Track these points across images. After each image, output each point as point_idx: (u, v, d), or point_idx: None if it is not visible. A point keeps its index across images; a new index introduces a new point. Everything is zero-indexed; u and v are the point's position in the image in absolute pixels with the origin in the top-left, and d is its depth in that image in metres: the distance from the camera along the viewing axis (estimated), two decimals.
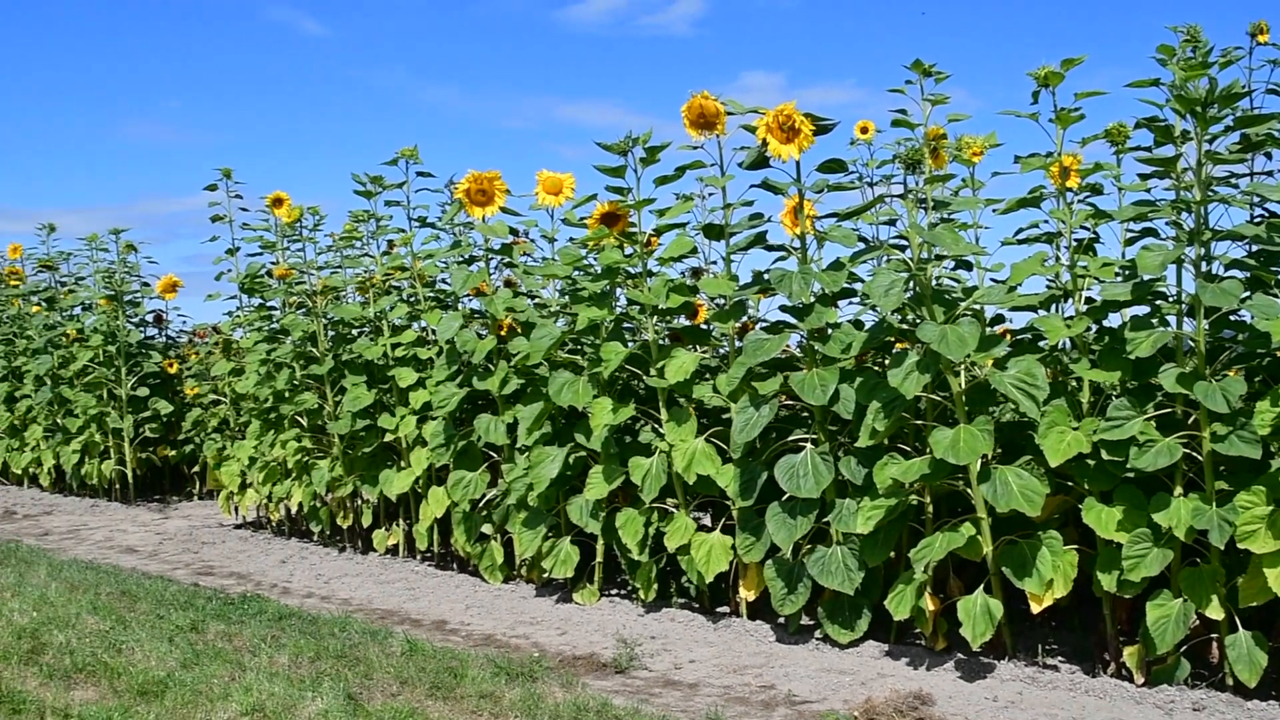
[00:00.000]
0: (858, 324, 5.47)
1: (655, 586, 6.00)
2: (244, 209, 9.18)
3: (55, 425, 11.02)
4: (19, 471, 11.61)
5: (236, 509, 9.22)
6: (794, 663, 5.08)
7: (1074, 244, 5.12)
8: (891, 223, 5.70)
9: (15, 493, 11.55)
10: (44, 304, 11.51)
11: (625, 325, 6.29)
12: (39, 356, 10.94)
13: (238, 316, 9.19)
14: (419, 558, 7.61)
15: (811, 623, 5.54)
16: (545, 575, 6.46)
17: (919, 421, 5.17)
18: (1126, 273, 4.93)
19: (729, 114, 5.43)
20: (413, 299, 7.49)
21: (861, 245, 5.40)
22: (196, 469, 11.02)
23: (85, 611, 5.80)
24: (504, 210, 6.39)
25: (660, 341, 6.00)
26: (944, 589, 5.12)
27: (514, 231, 6.73)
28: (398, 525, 7.66)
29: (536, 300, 6.92)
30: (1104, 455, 4.61)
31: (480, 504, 6.76)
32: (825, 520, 5.22)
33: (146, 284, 11.03)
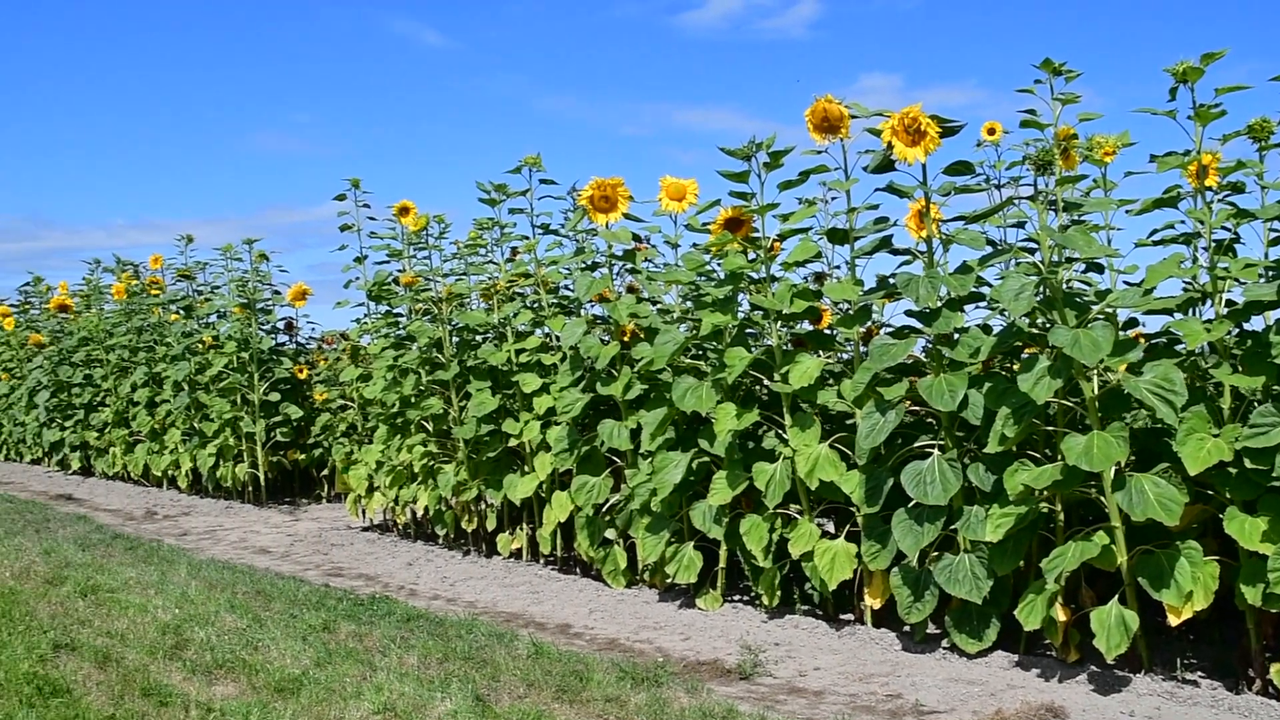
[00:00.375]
0: (985, 328, 5.37)
1: (778, 593, 5.97)
2: (371, 218, 9.37)
3: (192, 429, 11.39)
4: (159, 473, 12.03)
5: (364, 512, 9.42)
6: (921, 672, 5.01)
7: (1213, 244, 4.96)
8: (1020, 225, 5.59)
9: (156, 494, 11.97)
10: (182, 312, 11.91)
11: (748, 330, 6.28)
12: (177, 363, 11.32)
13: (365, 323, 9.38)
14: (542, 561, 7.69)
15: (938, 631, 5.45)
16: (668, 580, 6.47)
17: (1049, 427, 5.06)
18: (1271, 273, 4.76)
19: (853, 117, 5.38)
20: (536, 305, 7.58)
21: (989, 248, 5.31)
22: (325, 472, 11.29)
23: (223, 609, 5.99)
24: (627, 216, 6.43)
25: (784, 347, 5.97)
26: (1075, 599, 4.99)
27: (637, 238, 6.76)
28: (521, 529, 7.75)
29: (659, 306, 6.94)
30: (1247, 464, 4.44)
31: (603, 509, 6.81)
32: (952, 527, 5.14)
33: (278, 292, 11.34)
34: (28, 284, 15.82)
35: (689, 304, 6.69)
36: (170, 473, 11.96)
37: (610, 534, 6.80)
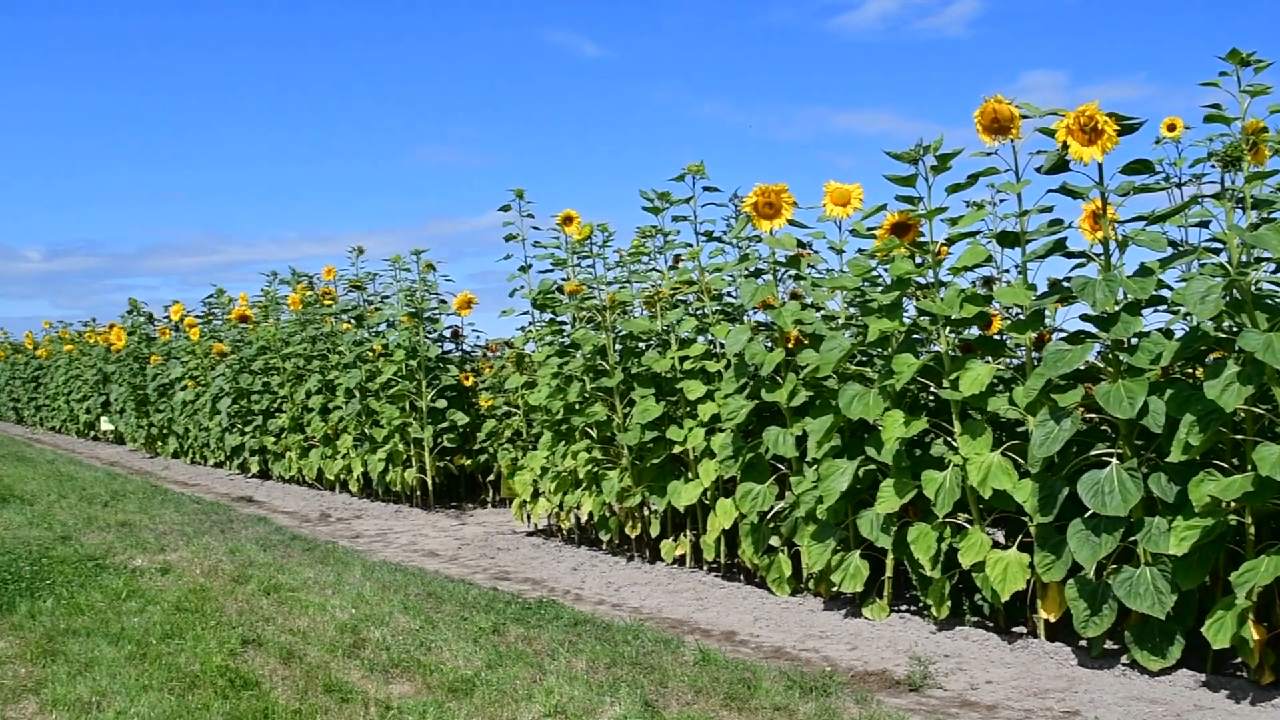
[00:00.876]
0: (1167, 333, 5.18)
1: (947, 603, 5.85)
2: (535, 228, 9.51)
3: (363, 435, 11.74)
4: (331, 477, 12.43)
5: (528, 517, 9.57)
6: (1099, 688, 4.85)
7: None
8: (1204, 225, 5.37)
9: (329, 497, 12.38)
10: (353, 321, 12.30)
11: (914, 336, 6.17)
12: (349, 371, 11.70)
13: (530, 331, 9.52)
14: (705, 568, 7.69)
15: (1116, 647, 5.27)
16: (833, 589, 6.41)
17: (1237, 436, 4.85)
18: None
19: (1024, 117, 5.26)
20: (700, 312, 7.59)
21: (1170, 250, 5.12)
22: (490, 477, 11.51)
23: (397, 610, 6.15)
24: (791, 222, 6.40)
25: (952, 353, 5.85)
26: (1269, 617, 4.77)
27: (801, 243, 6.72)
28: (685, 535, 7.77)
29: (823, 312, 6.88)
30: None
31: (767, 516, 6.78)
32: (1131, 539, 4.96)
33: (444, 301, 11.60)
34: (211, 296, 16.54)
35: (854, 310, 6.62)
36: (342, 477, 12.35)
37: (774, 541, 6.77)
